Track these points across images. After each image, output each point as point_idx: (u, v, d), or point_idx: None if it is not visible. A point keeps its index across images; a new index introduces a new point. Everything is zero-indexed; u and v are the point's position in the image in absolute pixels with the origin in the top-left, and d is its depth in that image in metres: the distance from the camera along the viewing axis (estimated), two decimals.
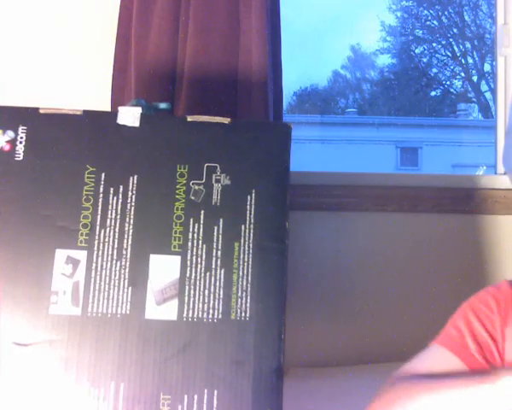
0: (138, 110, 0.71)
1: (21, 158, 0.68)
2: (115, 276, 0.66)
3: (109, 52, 1.15)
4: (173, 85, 1.11)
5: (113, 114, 0.71)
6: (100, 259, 0.66)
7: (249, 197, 0.69)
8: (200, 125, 0.72)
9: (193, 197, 0.69)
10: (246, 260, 0.68)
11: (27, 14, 1.23)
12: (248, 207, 0.69)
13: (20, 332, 0.64)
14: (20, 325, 0.64)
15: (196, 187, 0.69)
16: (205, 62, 1.09)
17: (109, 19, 1.17)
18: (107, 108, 1.12)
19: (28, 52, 1.22)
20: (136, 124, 0.70)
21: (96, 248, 0.67)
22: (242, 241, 0.68)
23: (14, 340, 0.64)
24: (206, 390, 0.64)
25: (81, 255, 0.66)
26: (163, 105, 0.83)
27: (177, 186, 0.69)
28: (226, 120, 0.72)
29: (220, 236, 0.68)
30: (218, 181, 0.69)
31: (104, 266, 0.66)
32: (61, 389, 0.63)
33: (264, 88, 1.09)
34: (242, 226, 0.69)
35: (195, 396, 0.64)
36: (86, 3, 1.23)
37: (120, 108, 0.71)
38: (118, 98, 1.14)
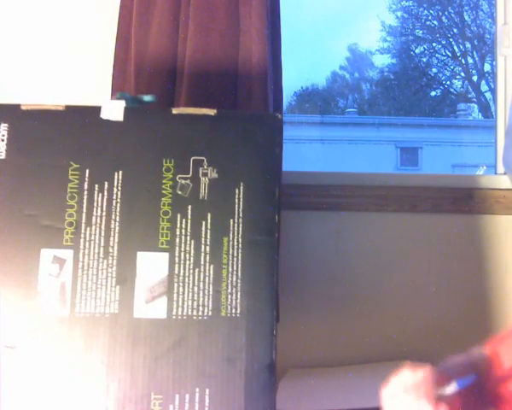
0: (122, 104, 0.69)
1: (4, 157, 0.67)
2: (102, 275, 0.65)
3: (109, 52, 1.15)
4: (173, 85, 1.11)
5: (97, 108, 0.69)
6: (86, 258, 0.66)
7: (237, 191, 0.68)
8: (186, 118, 0.70)
9: (180, 192, 0.68)
10: (235, 255, 0.67)
11: (27, 13, 1.22)
12: (237, 200, 0.68)
13: (8, 334, 0.63)
14: (7, 327, 0.63)
15: (183, 181, 0.68)
16: (205, 62, 1.09)
17: (109, 19, 1.17)
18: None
19: (28, 52, 1.22)
20: (120, 118, 0.69)
21: (82, 247, 0.66)
22: (231, 235, 0.67)
23: (3, 342, 0.63)
24: (197, 389, 0.64)
25: (67, 254, 0.65)
26: (147, 98, 0.80)
27: (164, 181, 0.68)
28: (212, 112, 0.71)
29: (209, 231, 0.67)
30: (205, 175, 0.68)
31: (91, 265, 0.65)
32: (51, 391, 0.63)
33: (264, 88, 1.09)
34: (231, 221, 0.68)
35: (187, 395, 0.64)
36: (86, 3, 1.23)
37: (104, 103, 0.69)
38: None
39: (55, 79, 1.21)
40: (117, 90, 1.14)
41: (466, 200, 1.24)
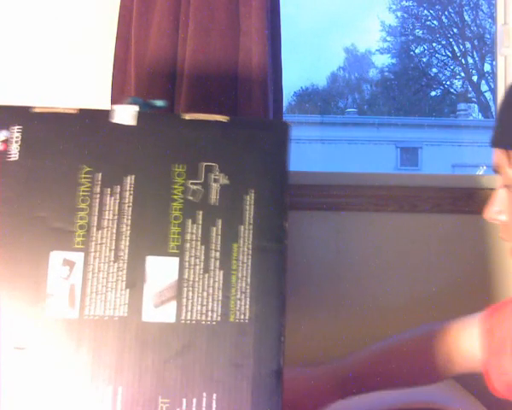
0: (135, 108, 0.70)
1: (16, 158, 0.67)
2: (112, 278, 0.65)
3: (109, 52, 1.15)
4: (173, 85, 1.11)
5: (109, 112, 0.70)
6: (97, 261, 0.65)
7: (247, 197, 0.68)
8: (198, 124, 0.70)
9: (191, 197, 0.68)
10: (245, 261, 0.67)
11: (27, 13, 1.23)
12: (247, 207, 0.68)
13: (18, 336, 0.63)
14: (17, 329, 0.63)
15: (194, 187, 0.68)
16: (205, 62, 1.09)
17: (109, 19, 1.17)
18: (107, 108, 1.12)
19: (28, 52, 1.22)
20: (133, 122, 0.69)
21: (92, 250, 0.66)
22: (241, 242, 0.67)
23: (13, 344, 0.63)
24: (204, 394, 0.63)
25: (77, 257, 0.65)
26: (159, 103, 0.81)
27: (175, 186, 0.68)
28: (224, 118, 0.71)
29: (218, 237, 0.67)
30: (216, 181, 0.68)
31: (101, 268, 0.65)
32: (59, 394, 0.63)
33: (264, 88, 1.09)
34: (241, 227, 0.68)
35: (194, 400, 0.63)
36: (86, 3, 1.23)
37: (116, 107, 0.70)
38: (118, 98, 1.13)
39: (54, 79, 1.21)
40: (117, 91, 1.14)
41: (466, 200, 1.24)
